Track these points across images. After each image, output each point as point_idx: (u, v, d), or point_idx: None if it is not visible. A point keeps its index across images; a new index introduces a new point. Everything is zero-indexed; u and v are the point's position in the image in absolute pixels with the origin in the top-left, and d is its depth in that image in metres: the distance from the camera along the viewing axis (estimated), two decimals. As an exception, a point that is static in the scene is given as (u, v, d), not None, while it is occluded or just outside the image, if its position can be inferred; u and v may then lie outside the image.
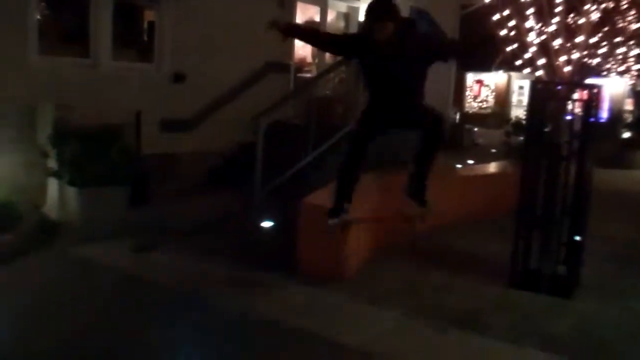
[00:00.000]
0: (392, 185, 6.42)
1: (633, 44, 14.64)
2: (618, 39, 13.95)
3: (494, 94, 21.70)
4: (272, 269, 5.08)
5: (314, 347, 3.81)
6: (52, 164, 5.81)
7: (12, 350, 3.61)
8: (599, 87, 5.47)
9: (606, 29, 13.34)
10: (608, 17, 13.00)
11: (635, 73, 17.67)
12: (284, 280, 4.88)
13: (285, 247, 5.32)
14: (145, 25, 8.12)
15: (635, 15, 13.50)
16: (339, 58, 10.13)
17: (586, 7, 12.13)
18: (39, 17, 6.59)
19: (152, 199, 6.38)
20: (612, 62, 15.57)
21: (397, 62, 4.27)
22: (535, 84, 5.07)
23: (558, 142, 4.87)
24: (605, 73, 16.11)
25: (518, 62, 13.41)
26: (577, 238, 4.90)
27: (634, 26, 13.73)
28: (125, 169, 5.87)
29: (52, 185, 6.03)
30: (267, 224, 6.25)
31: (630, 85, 17.61)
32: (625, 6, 13.23)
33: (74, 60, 6.97)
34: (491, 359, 3.79)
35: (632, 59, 16.09)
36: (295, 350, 3.75)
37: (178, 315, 4.19)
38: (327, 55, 10.87)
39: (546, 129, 4.92)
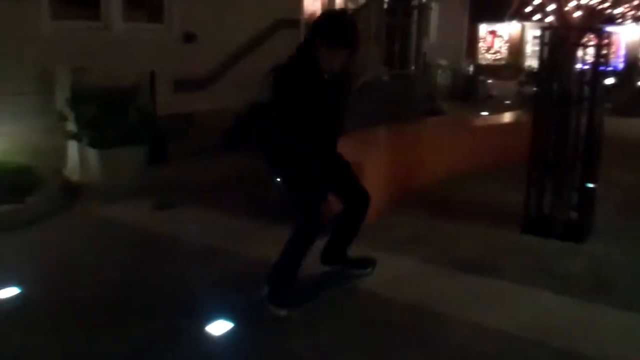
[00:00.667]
0: (410, 137, 6.52)
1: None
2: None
3: (507, 44, 21.45)
4: (289, 223, 5.19)
5: (327, 291, 3.97)
6: (71, 127, 5.94)
7: (50, 300, 3.81)
8: (610, 32, 5.45)
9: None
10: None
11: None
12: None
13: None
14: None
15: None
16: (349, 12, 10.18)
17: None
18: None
19: (169, 158, 6.52)
20: (627, 8, 15.27)
21: (336, 100, 3.71)
22: (545, 30, 5.07)
23: (569, 88, 4.89)
24: (619, 20, 15.82)
25: (528, 9, 13.22)
26: (590, 185, 4.97)
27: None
28: (143, 129, 5.98)
29: (72, 148, 6.18)
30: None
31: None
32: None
33: (86, 23, 7.07)
34: (504, 301, 3.89)
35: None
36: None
37: (201, 265, 4.35)
38: (337, 4, 10.83)
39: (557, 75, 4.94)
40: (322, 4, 11.18)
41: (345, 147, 4.87)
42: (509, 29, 21.12)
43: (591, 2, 11.89)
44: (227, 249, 4.65)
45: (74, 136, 5.90)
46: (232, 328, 3.45)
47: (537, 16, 13.18)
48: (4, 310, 3.69)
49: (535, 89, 5.42)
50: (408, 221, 5.37)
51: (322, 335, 3.45)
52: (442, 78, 13.62)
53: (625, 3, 13.74)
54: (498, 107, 12.27)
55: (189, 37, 7.69)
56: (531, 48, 20.41)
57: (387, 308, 3.76)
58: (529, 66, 18.01)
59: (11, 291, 3.88)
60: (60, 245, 4.79)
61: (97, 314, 3.65)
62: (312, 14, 10.69)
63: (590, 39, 4.90)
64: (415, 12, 8.76)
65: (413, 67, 8.79)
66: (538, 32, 20.02)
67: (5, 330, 3.46)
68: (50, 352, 3.24)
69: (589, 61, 4.82)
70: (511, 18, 19.71)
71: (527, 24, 20.16)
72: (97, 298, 3.85)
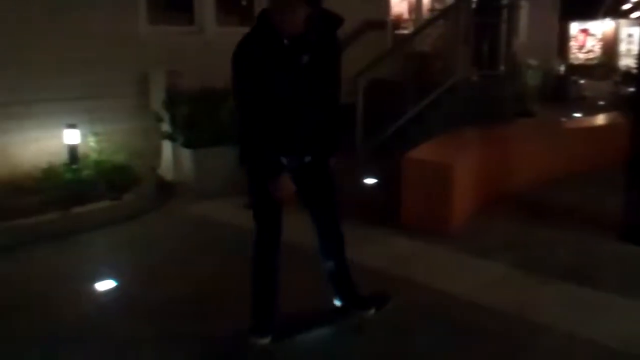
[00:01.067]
0: (500, 139, 6.38)
1: None
2: None
3: (600, 43, 20.55)
4: (377, 223, 5.21)
5: (419, 294, 3.93)
6: (165, 127, 6.17)
7: (146, 293, 3.99)
8: None
9: None
10: None
11: None
12: (388, 233, 5.00)
13: (388, 202, 5.42)
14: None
15: None
16: (436, 13, 10.08)
17: None
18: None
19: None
20: None
21: (308, 75, 3.08)
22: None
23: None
24: None
25: (626, 6, 12.62)
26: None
27: None
28: (233, 129, 6.12)
29: (167, 147, 6.42)
30: (369, 180, 6.38)
31: None
32: None
33: (181, 28, 7.30)
34: (602, 312, 3.73)
35: None
36: (400, 296, 3.85)
37: (289, 262, 4.40)
38: (425, 10, 10.73)
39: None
40: (409, 5, 11.10)
41: (434, 149, 4.83)
42: (602, 27, 20.23)
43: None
44: (312, 248, 4.68)
45: (169, 136, 6.12)
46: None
47: (636, 14, 12.58)
48: (102, 301, 3.89)
49: (632, 89, 5.17)
50: (499, 226, 5.24)
51: (415, 339, 3.43)
52: (532, 78, 13.19)
53: None
54: (591, 109, 11.78)
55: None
56: (626, 46, 19.48)
57: (479, 314, 3.68)
58: (624, 65, 17.17)
59: (109, 284, 4.09)
60: (155, 241, 4.99)
61: (190, 308, 3.78)
62: (398, 16, 10.65)
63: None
64: (505, 11, 8.53)
65: (502, 67, 8.57)
66: (634, 30, 19.05)
67: (103, 320, 3.64)
68: (145, 342, 3.37)
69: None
70: (605, 16, 18.88)
71: (622, 21, 19.25)
72: (191, 292, 3.99)
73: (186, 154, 6.01)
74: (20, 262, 4.53)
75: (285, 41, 2.93)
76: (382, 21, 9.31)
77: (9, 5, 5.78)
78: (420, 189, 5.02)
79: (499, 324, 3.56)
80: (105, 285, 4.07)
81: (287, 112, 3.01)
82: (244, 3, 8.25)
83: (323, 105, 3.13)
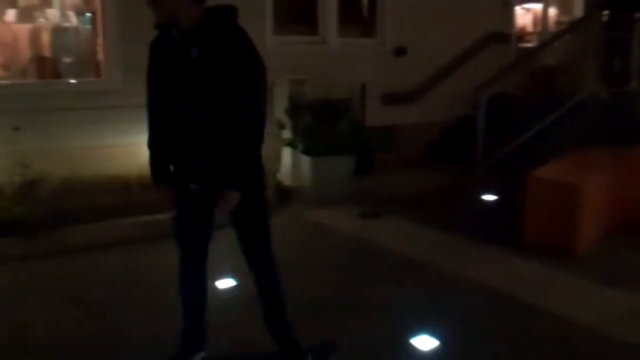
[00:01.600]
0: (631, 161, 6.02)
1: None
2: None
3: None
4: (495, 242, 5.06)
5: (540, 319, 3.77)
6: (287, 134, 6.33)
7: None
8: None
9: None
10: None
11: None
12: (508, 253, 4.84)
13: (508, 221, 5.26)
14: (366, 2, 8.40)
15: None
16: (564, 26, 9.68)
17: None
18: (272, 2, 7.14)
19: (375, 169, 6.69)
20: None
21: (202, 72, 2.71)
22: None
23: None
24: None
25: None
26: None
27: None
28: (353, 140, 6.20)
29: (287, 154, 6.58)
30: (488, 197, 6.22)
31: None
32: None
33: (305, 38, 7.49)
34: None
35: None
36: (525, 323, 3.71)
37: (403, 277, 4.38)
38: (550, 23, 10.35)
39: None
40: (534, 18, 10.75)
41: (561, 168, 4.62)
42: None
43: None
44: (431, 262, 4.64)
45: (290, 143, 6.28)
46: (436, 345, 3.43)
47: None
48: (221, 299, 4.00)
49: None
50: (628, 253, 4.93)
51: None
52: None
53: None
54: None
55: (399, 51, 7.83)
56: None
57: (606, 347, 3.46)
58: None
59: (228, 282, 4.22)
60: (276, 243, 5.10)
61: (307, 313, 3.78)
62: (522, 28, 10.34)
63: None
64: (638, 25, 8.08)
65: (634, 84, 8.11)
66: None
67: (221, 318, 3.68)
68: (263, 343, 3.37)
69: None
70: None
71: None
72: (308, 298, 4.03)
73: (305, 161, 6.14)
74: (148, 256, 4.77)
75: (175, 34, 2.68)
76: (505, 34, 9.07)
77: (149, 19, 6.14)
78: (545, 209, 4.82)
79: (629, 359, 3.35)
80: (225, 283, 4.21)
81: (172, 122, 2.75)
82: (365, 15, 8.30)
83: (221, 129, 2.65)
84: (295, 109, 6.27)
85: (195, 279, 3.07)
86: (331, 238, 5.28)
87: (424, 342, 3.43)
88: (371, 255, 4.87)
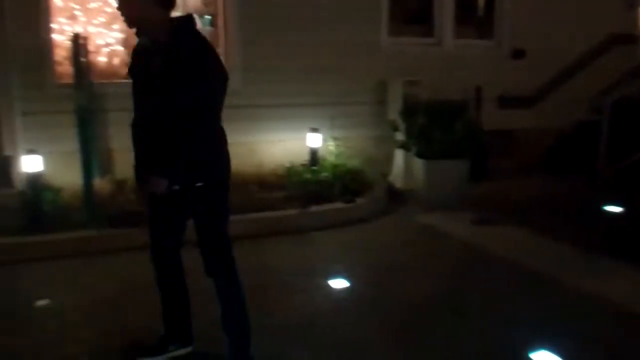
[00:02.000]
0: None
1: None
2: None
3: None
4: (621, 256, 4.77)
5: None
6: (400, 136, 6.29)
7: (375, 296, 4.08)
8: None
9: None
10: None
11: None
12: (636, 269, 4.56)
13: (633, 234, 4.96)
14: (483, 3, 8.21)
15: None
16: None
17: None
18: (388, 3, 7.13)
19: (489, 174, 6.52)
20: None
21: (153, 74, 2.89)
22: None
23: None
24: None
25: None
26: None
27: None
28: (467, 143, 6.07)
29: (399, 156, 6.55)
30: (612, 208, 5.90)
31: None
32: None
33: (419, 40, 7.43)
34: None
35: None
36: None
37: (520, 288, 4.22)
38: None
39: None
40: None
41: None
42: None
43: None
44: (552, 276, 4.44)
45: (403, 145, 6.24)
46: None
47: None
48: (334, 299, 4.05)
49: None
50: None
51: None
52: None
53: None
54: None
55: (518, 54, 7.60)
56: None
57: None
58: None
59: (341, 282, 4.26)
60: (384, 246, 5.11)
61: (417, 316, 3.77)
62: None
63: None
64: None
65: None
66: None
67: (333, 317, 3.75)
68: (372, 348, 3.39)
69: None
70: None
71: None
72: (419, 302, 3.98)
73: (418, 163, 6.08)
74: (265, 251, 4.91)
75: (144, 40, 2.86)
76: (631, 35, 8.57)
77: (268, 21, 6.36)
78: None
79: None
80: (338, 283, 4.25)
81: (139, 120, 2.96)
82: (482, 16, 8.11)
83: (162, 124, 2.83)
84: (409, 110, 6.23)
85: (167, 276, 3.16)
86: (443, 243, 5.19)
87: (542, 358, 3.29)
88: (485, 263, 4.74)
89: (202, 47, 2.77)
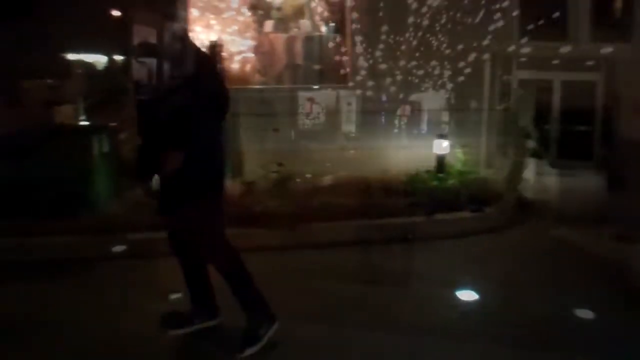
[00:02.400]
0: None
1: None
2: None
3: None
4: None
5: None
6: (531, 144, 6.05)
7: (510, 311, 3.89)
8: None
9: None
10: None
11: None
12: None
13: None
14: (620, 5, 7.73)
15: None
16: None
17: None
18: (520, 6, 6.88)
19: (628, 187, 6.10)
20: None
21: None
22: None
23: None
24: None
25: None
26: None
27: None
28: (603, 152, 5.75)
29: (529, 165, 6.28)
30: None
31: None
32: None
33: (553, 44, 7.09)
34: None
35: None
36: None
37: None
38: None
39: None
40: None
41: None
42: None
43: None
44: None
45: (534, 154, 5.99)
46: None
47: None
48: (462, 311, 3.88)
49: None
50: None
51: None
52: None
53: None
54: None
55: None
56: None
57: None
58: None
59: (470, 295, 4.11)
60: (514, 259, 4.92)
61: (549, 336, 3.55)
62: None
63: None
64: None
65: None
66: None
67: (461, 330, 3.60)
68: None
69: None
70: None
71: None
72: (541, 314, 3.77)
73: (551, 173, 5.81)
74: (390, 258, 4.86)
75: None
76: None
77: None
78: None
79: None
80: (465, 295, 4.11)
81: None
82: (618, 17, 7.63)
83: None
84: (541, 117, 5.97)
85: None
86: (578, 259, 4.90)
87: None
88: (626, 284, 4.37)
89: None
